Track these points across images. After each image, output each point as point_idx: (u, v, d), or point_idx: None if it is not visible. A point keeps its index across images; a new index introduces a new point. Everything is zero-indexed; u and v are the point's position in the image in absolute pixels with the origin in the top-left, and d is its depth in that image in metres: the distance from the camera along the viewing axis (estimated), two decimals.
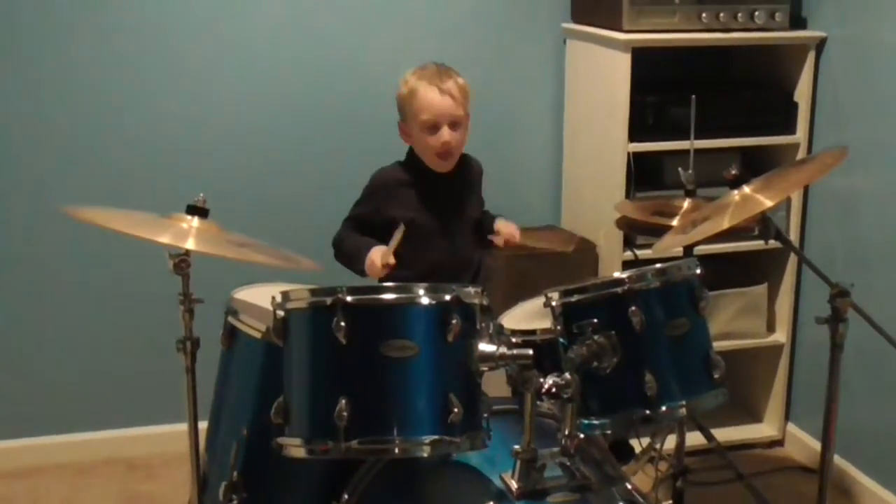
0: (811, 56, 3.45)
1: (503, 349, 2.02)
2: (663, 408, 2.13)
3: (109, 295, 3.54)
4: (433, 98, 2.72)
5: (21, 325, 3.52)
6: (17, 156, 3.41)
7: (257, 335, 2.34)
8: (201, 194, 2.44)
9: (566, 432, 2.03)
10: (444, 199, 2.82)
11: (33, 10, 3.32)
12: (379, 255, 2.63)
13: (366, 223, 2.81)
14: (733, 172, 2.48)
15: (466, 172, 2.89)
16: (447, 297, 2.00)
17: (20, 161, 3.41)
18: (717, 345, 2.29)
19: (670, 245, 2.63)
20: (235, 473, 2.34)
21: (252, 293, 2.52)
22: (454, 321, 1.98)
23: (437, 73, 2.76)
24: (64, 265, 3.50)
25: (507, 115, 3.71)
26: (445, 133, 2.72)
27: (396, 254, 2.61)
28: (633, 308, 2.12)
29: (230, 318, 2.44)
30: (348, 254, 2.77)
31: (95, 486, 3.45)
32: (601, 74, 3.46)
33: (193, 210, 2.41)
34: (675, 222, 2.82)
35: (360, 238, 2.77)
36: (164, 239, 2.29)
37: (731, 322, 3.60)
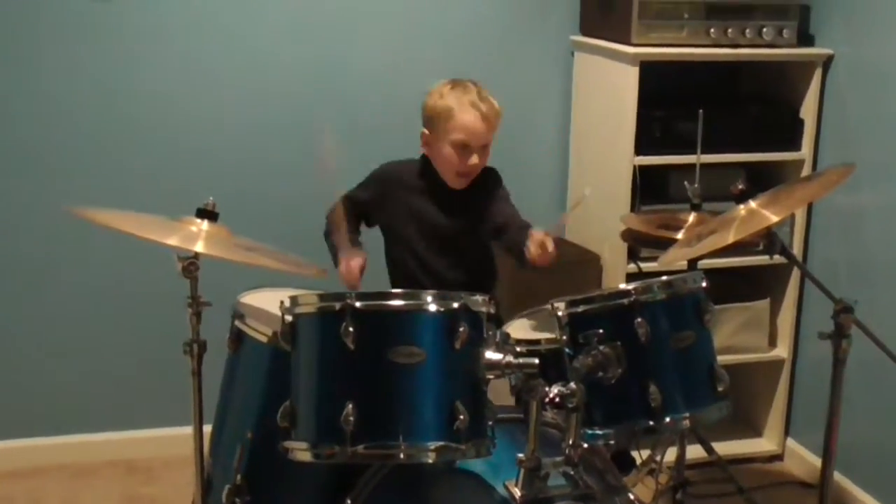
0: (818, 73, 3.48)
1: (509, 358, 2.04)
2: (667, 419, 2.16)
3: (116, 296, 3.56)
4: (472, 122, 2.72)
5: (25, 324, 3.53)
6: (26, 156, 3.43)
7: (264, 339, 2.36)
8: (211, 198, 2.45)
9: (570, 442, 2.05)
10: (450, 209, 2.83)
11: (43, 12, 3.34)
12: (355, 264, 2.68)
13: (360, 207, 2.84)
14: (739, 187, 2.51)
15: (479, 187, 2.86)
16: (455, 305, 2.03)
17: (29, 162, 3.43)
18: (719, 358, 2.31)
19: (675, 258, 2.65)
20: (239, 476, 2.35)
21: (259, 297, 2.54)
22: (462, 329, 2.00)
23: (479, 94, 2.75)
24: (70, 265, 3.52)
25: (515, 125, 3.69)
26: (475, 157, 2.74)
27: (393, 264, 2.65)
28: (639, 319, 2.14)
29: (237, 322, 2.46)
30: (330, 242, 2.81)
31: (96, 488, 3.46)
32: (609, 87, 3.49)
33: (203, 213, 2.43)
34: (680, 236, 2.84)
35: (342, 236, 2.75)
36: (173, 241, 2.31)
37: (734, 336, 3.62)
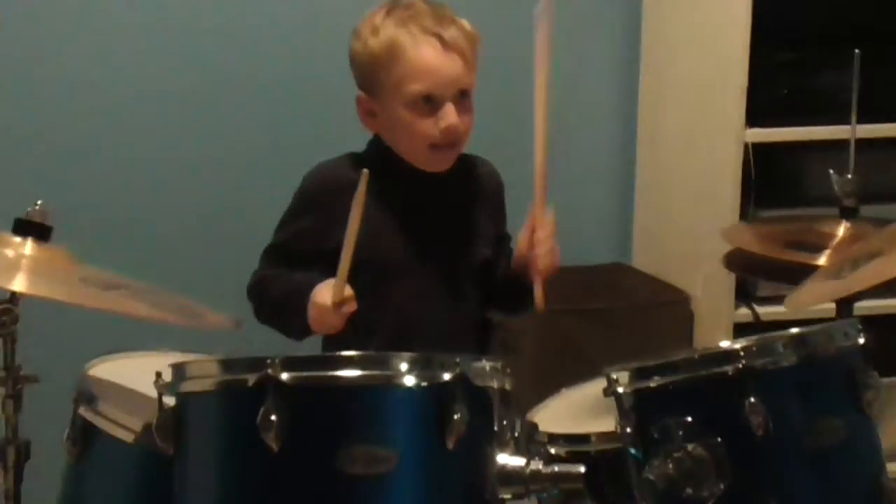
0: None
1: (538, 464, 2.08)
2: None
3: None
4: (431, 56, 2.77)
5: None
6: None
7: (128, 438, 2.38)
8: (39, 201, 2.48)
9: None
10: (429, 217, 2.88)
11: None
12: (328, 292, 2.66)
13: (298, 256, 2.85)
14: None
15: (470, 179, 2.94)
16: (446, 377, 2.05)
17: None
18: (892, 467, 2.34)
19: (815, 298, 2.68)
20: None
21: (121, 367, 2.57)
22: (457, 416, 2.02)
23: (433, 14, 2.80)
24: None
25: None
26: (451, 112, 2.77)
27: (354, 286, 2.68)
28: (752, 400, 2.16)
29: (83, 409, 2.47)
30: (278, 304, 2.81)
31: None
32: (702, 14, 3.54)
33: (25, 227, 2.46)
34: (822, 260, 2.88)
35: (292, 277, 2.80)
36: None
37: None
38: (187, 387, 2.12)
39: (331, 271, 2.69)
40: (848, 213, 3.00)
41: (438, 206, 2.91)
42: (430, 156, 2.83)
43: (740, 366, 2.19)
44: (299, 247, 2.86)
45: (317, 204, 2.86)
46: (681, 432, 2.16)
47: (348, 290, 2.64)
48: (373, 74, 2.82)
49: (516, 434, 2.15)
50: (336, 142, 2.95)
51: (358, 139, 2.92)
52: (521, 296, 2.87)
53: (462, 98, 2.80)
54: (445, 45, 2.77)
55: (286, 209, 2.90)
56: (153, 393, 2.15)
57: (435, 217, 2.90)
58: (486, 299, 2.96)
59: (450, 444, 2.03)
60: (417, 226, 2.87)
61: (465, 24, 2.83)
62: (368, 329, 2.74)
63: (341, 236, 2.69)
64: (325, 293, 2.67)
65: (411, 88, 2.77)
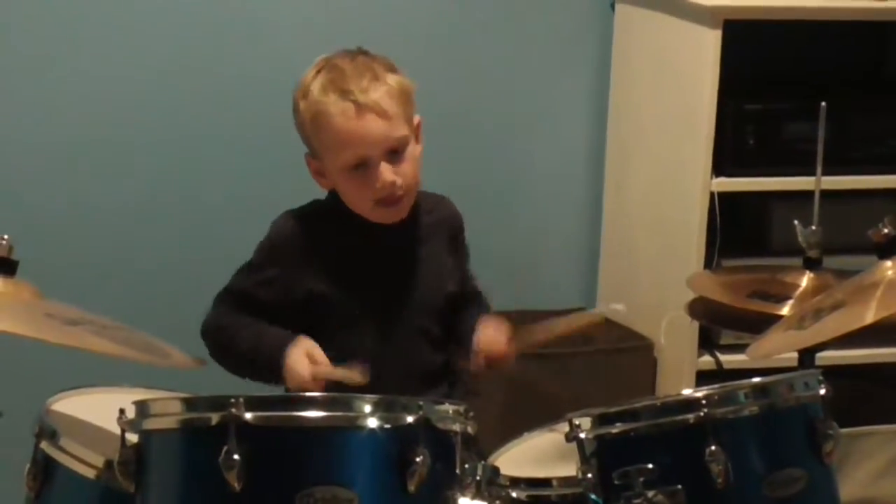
0: None
1: None
2: None
3: None
4: (348, 124, 2.72)
5: None
6: None
7: (90, 474, 2.37)
8: (6, 236, 2.48)
9: None
10: (387, 263, 2.86)
11: None
12: (307, 365, 2.63)
13: (262, 304, 2.83)
14: (884, 231, 2.55)
15: (427, 220, 2.92)
16: (409, 419, 2.06)
17: None
18: None
19: (777, 347, 2.68)
20: None
21: (84, 402, 2.56)
22: (419, 459, 2.03)
23: (354, 75, 2.75)
24: None
25: (512, 130, 3.77)
26: (385, 171, 2.73)
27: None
28: (713, 448, 2.17)
29: (44, 444, 2.46)
30: (247, 357, 2.78)
31: None
32: (671, 64, 3.56)
33: None
34: (786, 310, 2.88)
35: (261, 330, 2.78)
36: None
37: (879, 480, 3.65)
38: (150, 424, 2.12)
39: (296, 320, 2.75)
40: (811, 264, 3.00)
41: (392, 251, 2.89)
42: (378, 211, 2.80)
43: (701, 414, 2.19)
44: (264, 296, 2.83)
45: (283, 254, 2.84)
46: (642, 479, 2.16)
47: (321, 356, 2.65)
48: (308, 139, 2.82)
49: (478, 477, 2.15)
50: (299, 192, 2.96)
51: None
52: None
53: (394, 154, 2.75)
54: (361, 108, 2.72)
55: (251, 256, 2.88)
56: (116, 429, 2.15)
57: (389, 261, 2.89)
58: (451, 342, 2.95)
59: (411, 487, 2.04)
60: (374, 270, 2.86)
61: (392, 78, 2.78)
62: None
63: (307, 285, 2.73)
64: (301, 363, 2.65)
65: (339, 157, 2.75)
